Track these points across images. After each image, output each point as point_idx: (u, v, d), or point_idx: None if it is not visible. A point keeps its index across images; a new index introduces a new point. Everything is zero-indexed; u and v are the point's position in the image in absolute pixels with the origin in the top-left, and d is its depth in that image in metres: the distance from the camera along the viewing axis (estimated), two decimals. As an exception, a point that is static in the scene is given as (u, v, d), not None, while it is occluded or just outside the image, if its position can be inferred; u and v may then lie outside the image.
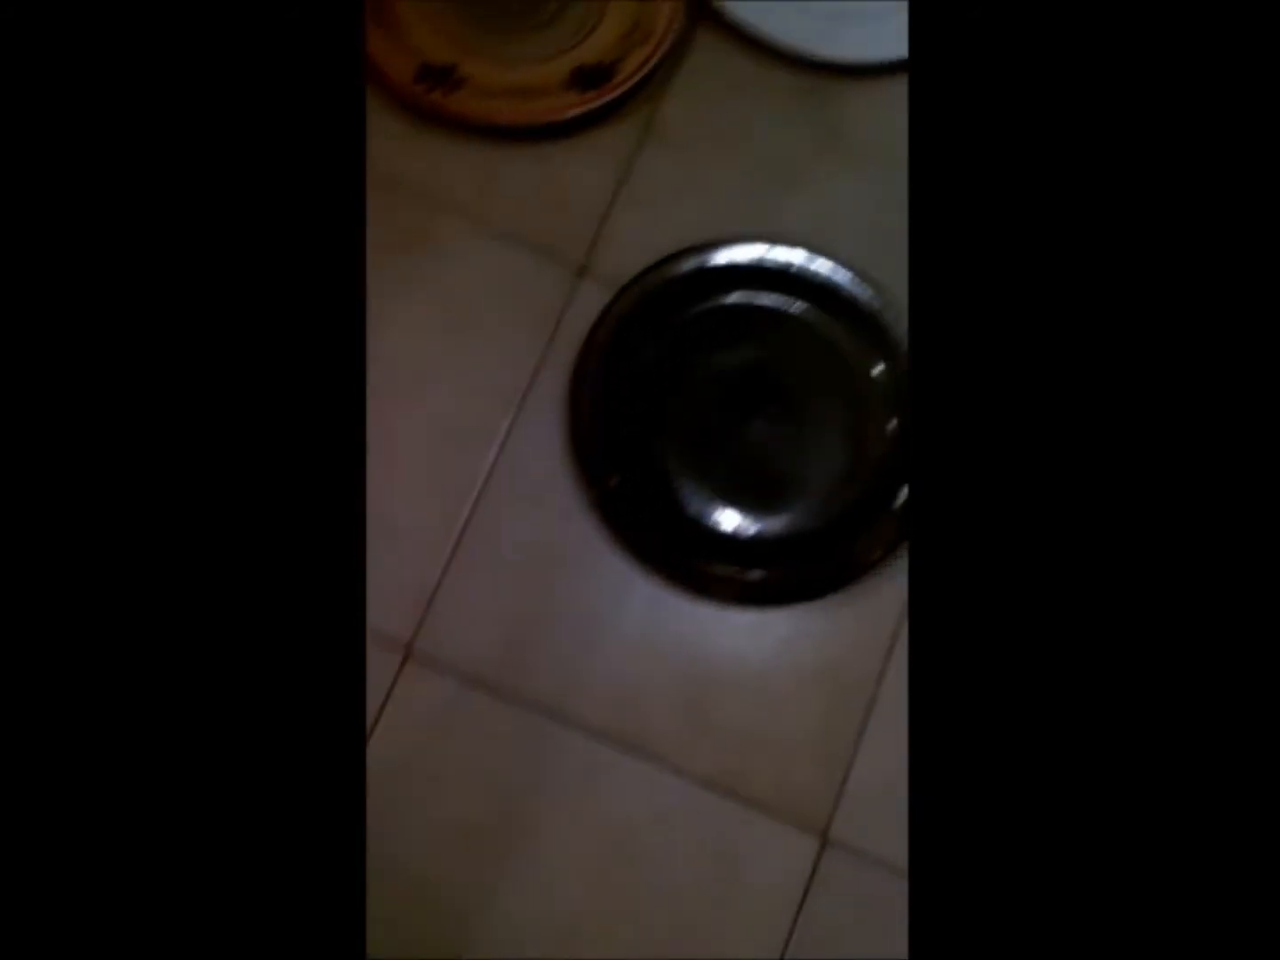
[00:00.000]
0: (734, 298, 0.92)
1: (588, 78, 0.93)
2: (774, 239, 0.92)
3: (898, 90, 0.97)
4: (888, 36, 0.96)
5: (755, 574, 0.88)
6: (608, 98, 0.92)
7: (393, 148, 0.91)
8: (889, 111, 0.97)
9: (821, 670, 0.87)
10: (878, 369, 0.91)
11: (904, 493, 0.89)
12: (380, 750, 0.84)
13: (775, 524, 0.89)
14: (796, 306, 0.92)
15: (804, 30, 0.96)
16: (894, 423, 0.90)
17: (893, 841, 0.85)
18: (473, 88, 0.92)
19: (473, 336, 0.90)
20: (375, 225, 0.88)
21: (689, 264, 0.91)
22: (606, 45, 0.95)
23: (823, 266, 0.92)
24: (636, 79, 0.92)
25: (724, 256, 0.92)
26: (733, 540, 0.89)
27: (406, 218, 0.91)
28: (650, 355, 0.90)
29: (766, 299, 0.92)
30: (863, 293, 0.91)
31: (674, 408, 0.90)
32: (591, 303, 0.91)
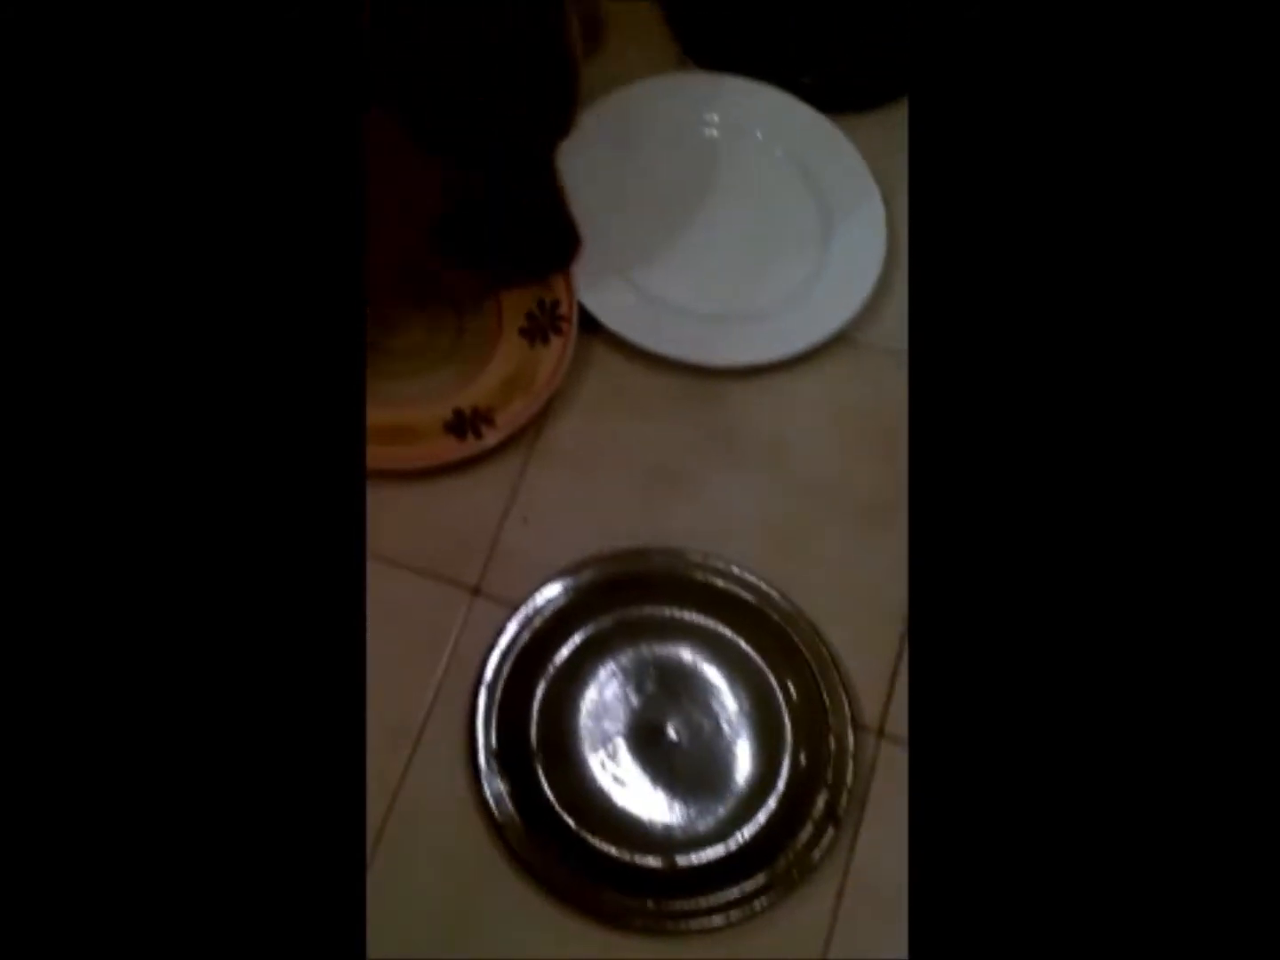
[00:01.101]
0: (638, 611, 0.90)
1: (466, 423, 0.93)
2: (667, 545, 0.91)
3: (779, 386, 0.98)
4: (765, 338, 0.98)
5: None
6: (486, 444, 0.92)
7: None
8: (772, 409, 0.97)
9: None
10: (790, 684, 0.88)
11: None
12: None
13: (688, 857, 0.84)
14: (695, 617, 0.90)
15: (686, 338, 0.97)
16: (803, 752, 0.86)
17: None
18: (347, 427, 0.91)
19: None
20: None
21: (584, 579, 0.89)
22: (488, 391, 0.95)
23: (720, 573, 0.90)
24: (514, 428, 0.92)
25: (623, 567, 0.90)
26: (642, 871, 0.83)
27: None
28: (550, 679, 0.87)
29: (668, 610, 0.90)
30: (769, 600, 0.89)
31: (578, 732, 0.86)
32: (486, 625, 0.88)
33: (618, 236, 1.00)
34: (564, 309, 0.96)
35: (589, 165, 0.99)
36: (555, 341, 0.95)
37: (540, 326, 0.96)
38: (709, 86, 1.06)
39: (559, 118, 0.85)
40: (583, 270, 0.97)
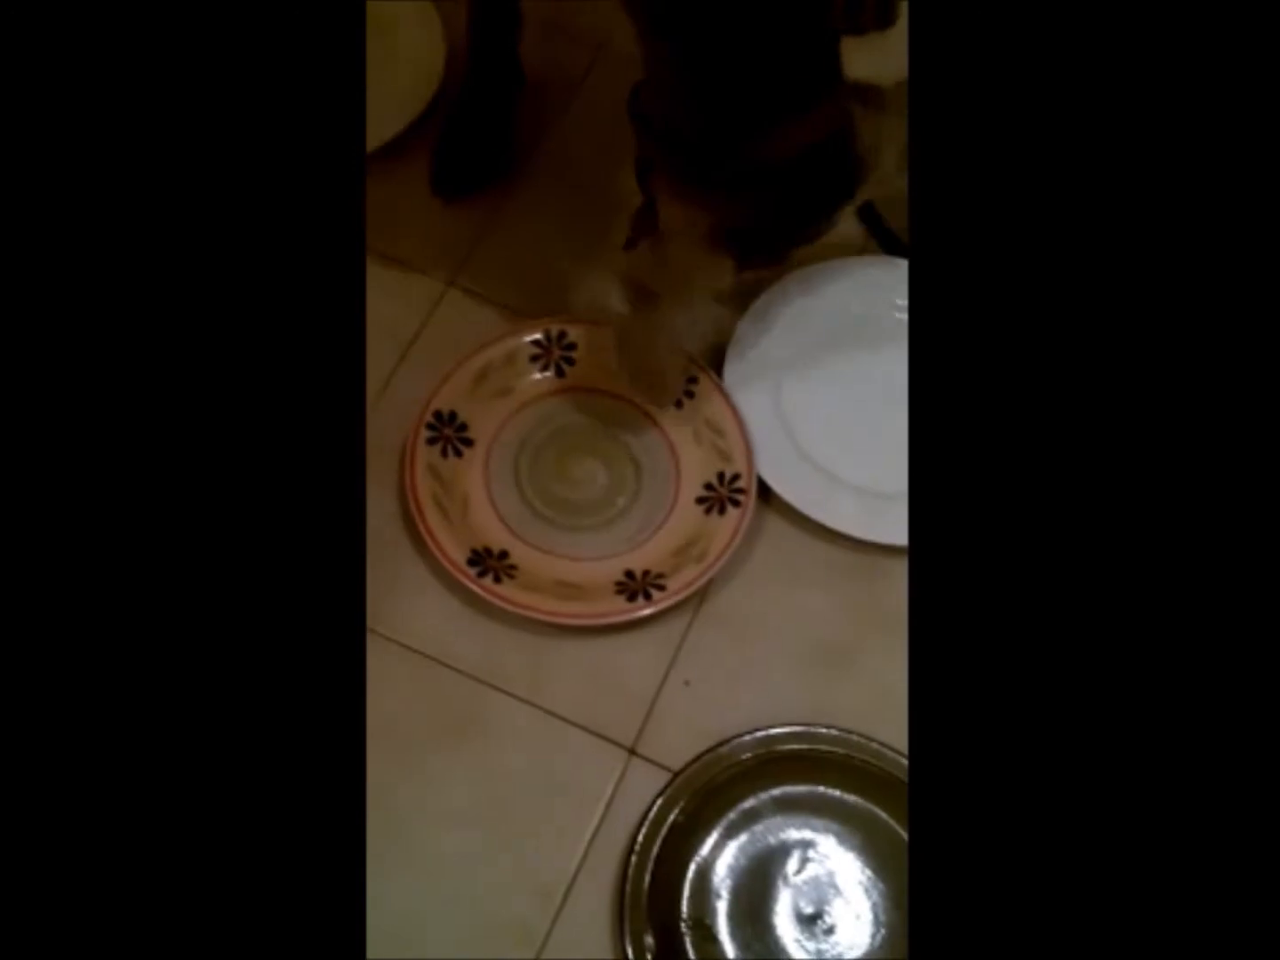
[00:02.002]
0: (791, 789, 0.89)
1: (635, 587, 0.94)
2: (827, 721, 0.90)
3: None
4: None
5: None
6: (653, 609, 0.93)
7: (446, 628, 0.94)
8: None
9: None
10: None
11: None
12: None
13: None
14: (852, 798, 0.89)
15: (858, 514, 0.98)
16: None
17: None
18: (522, 578, 0.94)
19: (515, 826, 0.88)
20: (424, 705, 0.91)
21: (744, 753, 0.89)
22: (660, 557, 0.96)
23: (878, 755, 0.89)
24: (684, 594, 0.93)
25: (781, 744, 0.90)
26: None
27: (456, 698, 0.92)
28: (706, 848, 0.87)
29: (822, 789, 0.89)
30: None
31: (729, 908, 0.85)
32: (641, 787, 0.89)
33: (799, 411, 1.02)
34: (744, 482, 0.97)
35: (776, 339, 1.03)
36: (732, 513, 0.97)
37: (719, 498, 0.98)
38: (899, 273, 1.09)
39: None
40: (764, 441, 0.99)
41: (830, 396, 1.04)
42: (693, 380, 1.01)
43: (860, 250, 1.12)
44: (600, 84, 1.18)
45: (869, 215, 1.13)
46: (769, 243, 0.88)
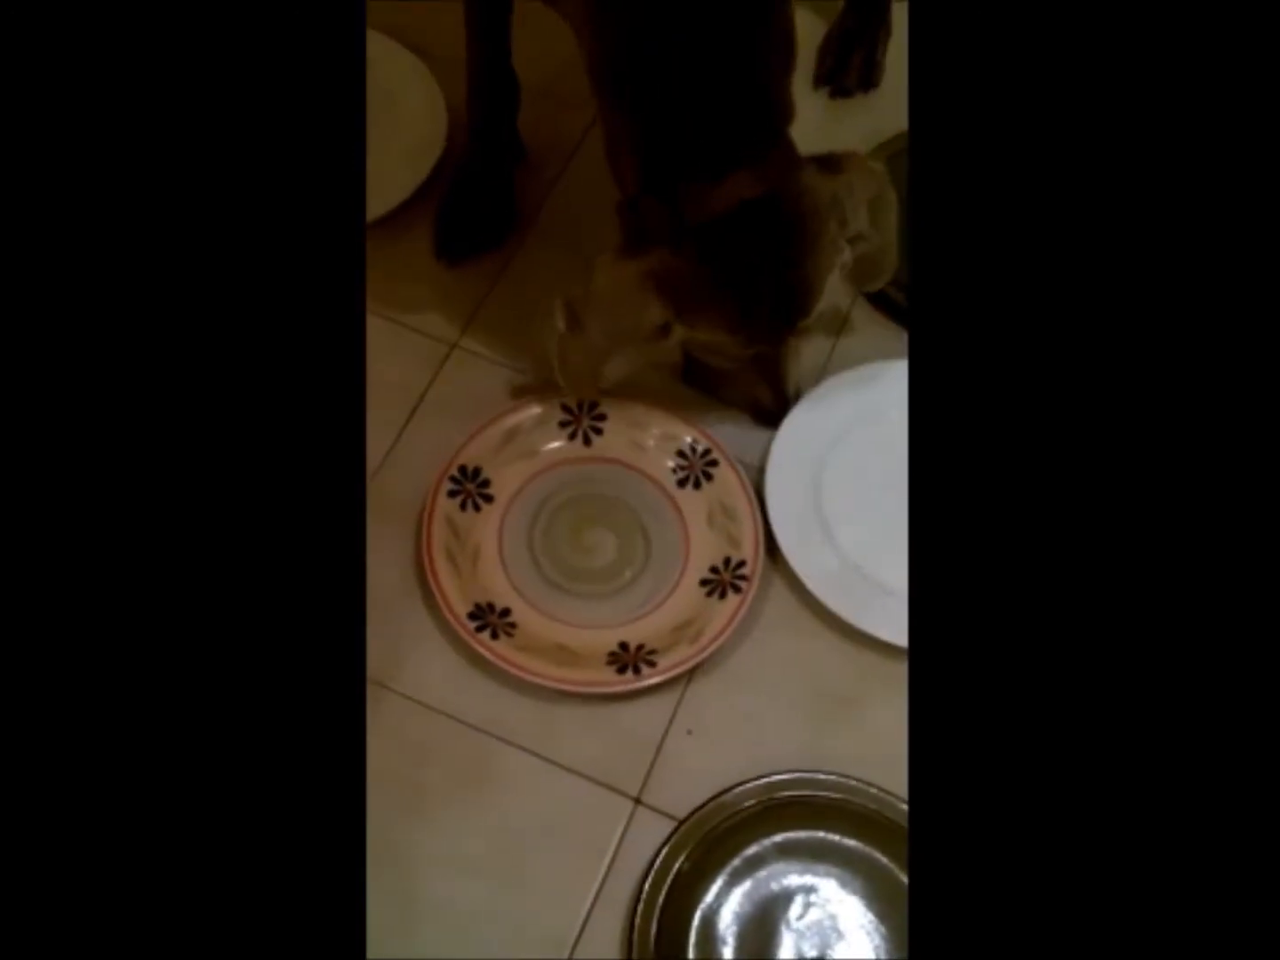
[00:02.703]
0: (793, 835, 0.91)
1: (627, 660, 0.96)
2: (828, 769, 0.92)
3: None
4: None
5: None
6: (640, 684, 0.94)
7: (452, 682, 0.96)
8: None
9: None
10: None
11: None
12: None
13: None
14: (854, 844, 0.90)
15: (877, 610, 0.99)
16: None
17: None
18: (520, 638, 0.96)
19: (524, 875, 0.90)
20: (432, 758, 0.93)
21: (746, 800, 0.91)
22: (656, 633, 0.98)
23: (881, 802, 0.91)
24: (673, 674, 0.95)
25: (783, 791, 0.91)
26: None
27: (464, 750, 0.94)
28: (711, 894, 0.88)
29: (823, 834, 0.91)
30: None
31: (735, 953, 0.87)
32: (647, 835, 0.90)
33: (836, 502, 1.04)
34: (748, 569, 0.99)
35: (823, 429, 1.06)
36: (732, 599, 0.98)
37: (721, 582, 1.00)
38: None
39: None
40: (794, 525, 1.02)
41: (869, 494, 1.04)
42: (712, 464, 1.04)
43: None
44: (595, 147, 1.21)
45: (883, 300, 1.16)
46: (750, 313, 0.91)
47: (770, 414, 1.06)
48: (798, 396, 1.06)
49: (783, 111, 0.90)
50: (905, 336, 1.13)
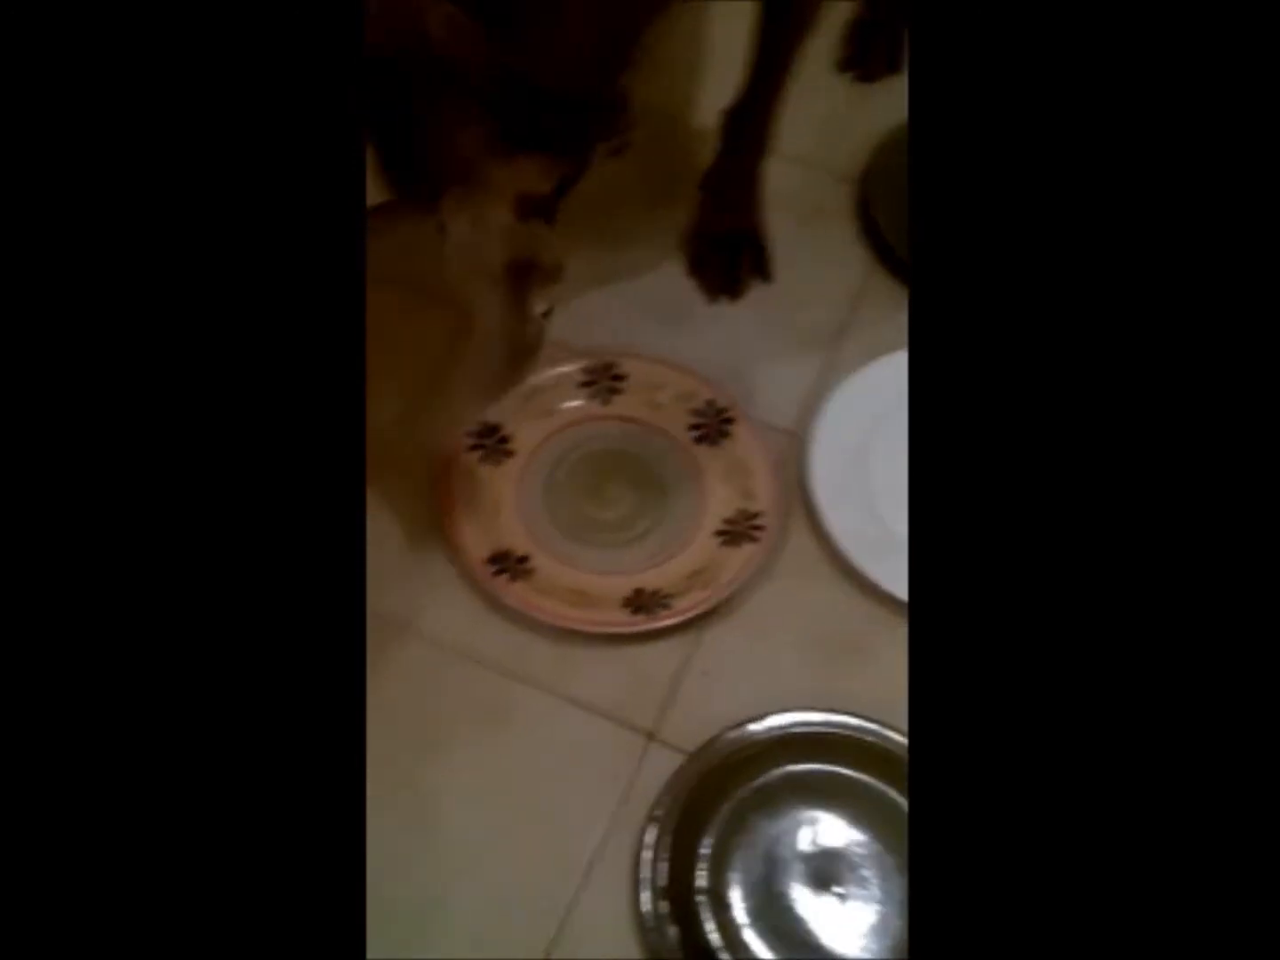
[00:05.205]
0: (803, 768, 0.92)
1: (642, 603, 0.98)
2: (842, 710, 0.94)
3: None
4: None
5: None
6: (656, 625, 0.97)
7: (472, 626, 0.99)
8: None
9: None
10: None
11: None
12: None
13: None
14: (864, 777, 0.91)
15: (874, 561, 1.01)
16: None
17: None
18: (538, 581, 0.99)
19: (538, 806, 0.92)
20: (451, 697, 0.95)
21: (758, 735, 0.92)
22: (673, 579, 1.00)
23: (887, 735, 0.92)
24: (689, 615, 0.97)
25: (791, 719, 0.93)
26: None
27: (482, 690, 0.96)
28: (720, 822, 0.90)
29: (833, 768, 0.92)
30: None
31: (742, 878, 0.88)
32: (660, 768, 0.92)
33: (881, 473, 1.05)
34: (764, 520, 1.01)
35: (873, 400, 1.08)
36: (748, 548, 1.00)
37: (738, 532, 1.02)
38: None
39: None
40: (831, 484, 1.04)
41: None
42: (729, 421, 1.07)
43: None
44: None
45: (878, 240, 1.18)
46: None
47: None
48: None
49: None
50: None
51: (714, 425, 1.07)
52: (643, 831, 0.89)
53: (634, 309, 1.16)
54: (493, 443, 1.05)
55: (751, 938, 0.86)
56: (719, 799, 0.90)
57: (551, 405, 1.08)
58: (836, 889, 0.87)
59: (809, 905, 0.87)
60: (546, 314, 0.85)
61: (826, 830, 0.89)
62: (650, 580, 1.00)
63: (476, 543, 0.99)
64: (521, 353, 0.86)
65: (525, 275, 0.83)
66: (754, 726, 0.93)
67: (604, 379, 1.09)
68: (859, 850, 0.89)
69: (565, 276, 0.84)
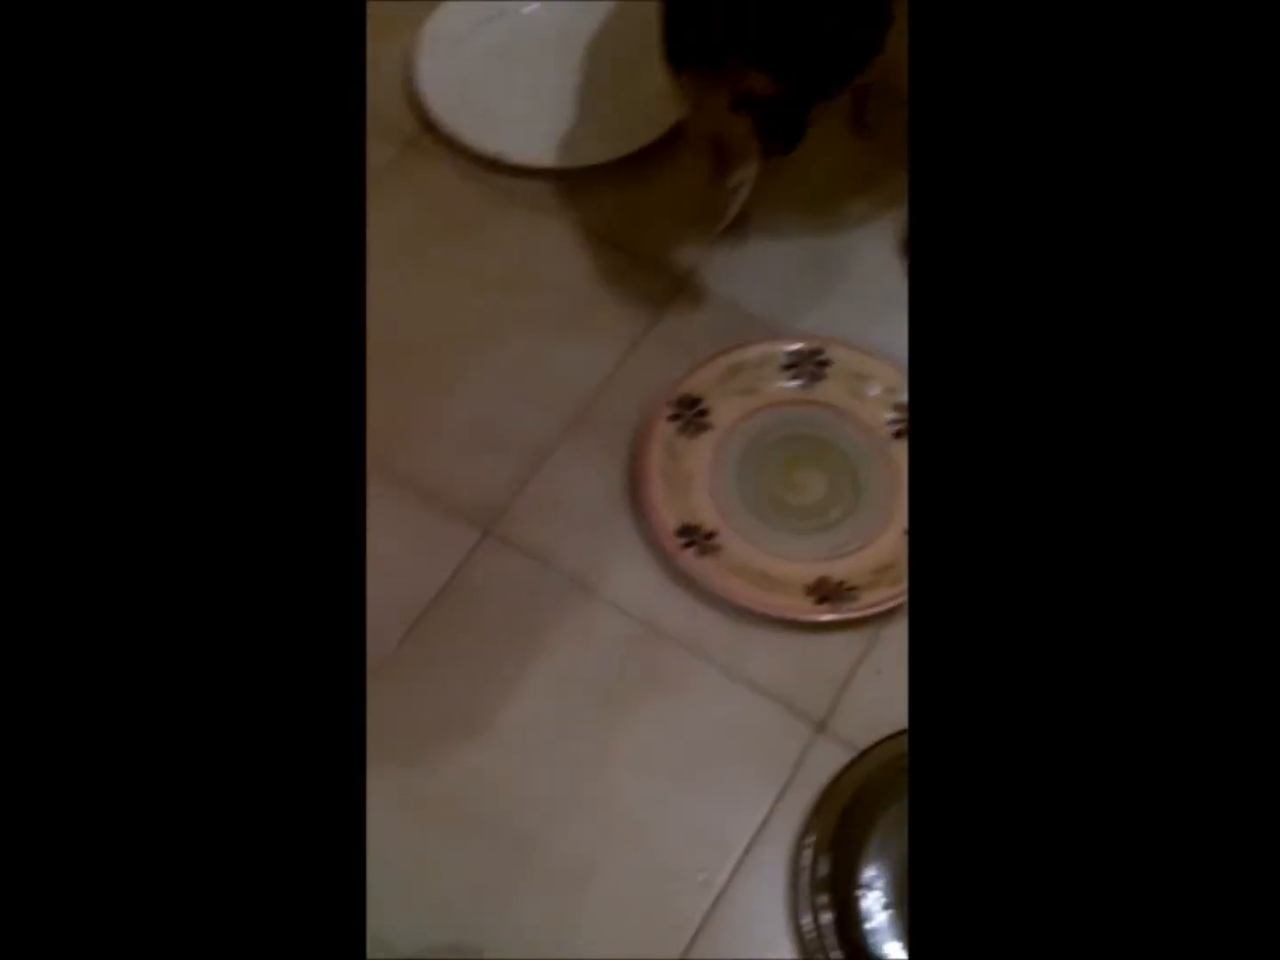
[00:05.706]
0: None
1: (827, 592, 0.98)
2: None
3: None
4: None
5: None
6: (839, 617, 0.96)
7: (655, 596, 0.99)
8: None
9: None
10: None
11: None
12: None
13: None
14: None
15: None
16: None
17: None
18: (724, 558, 0.99)
19: (701, 781, 0.92)
20: (627, 663, 0.96)
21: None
22: (858, 571, 0.99)
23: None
24: (874, 611, 0.96)
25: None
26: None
27: (658, 659, 0.97)
28: (887, 823, 0.89)
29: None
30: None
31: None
32: (826, 760, 0.92)
33: None
34: None
35: None
36: None
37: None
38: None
39: None
40: None
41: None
42: None
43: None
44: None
45: None
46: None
47: None
48: None
49: None
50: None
51: (915, 423, 1.05)
52: (806, 821, 0.89)
53: (846, 297, 1.14)
54: (691, 414, 1.05)
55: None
56: (887, 799, 0.89)
57: (754, 384, 1.08)
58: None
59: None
60: (736, 189, 1.04)
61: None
62: (837, 570, 1.00)
63: (667, 513, 1.00)
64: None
65: (724, 151, 1.04)
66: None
67: (809, 363, 1.08)
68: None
69: (751, 171, 1.02)
